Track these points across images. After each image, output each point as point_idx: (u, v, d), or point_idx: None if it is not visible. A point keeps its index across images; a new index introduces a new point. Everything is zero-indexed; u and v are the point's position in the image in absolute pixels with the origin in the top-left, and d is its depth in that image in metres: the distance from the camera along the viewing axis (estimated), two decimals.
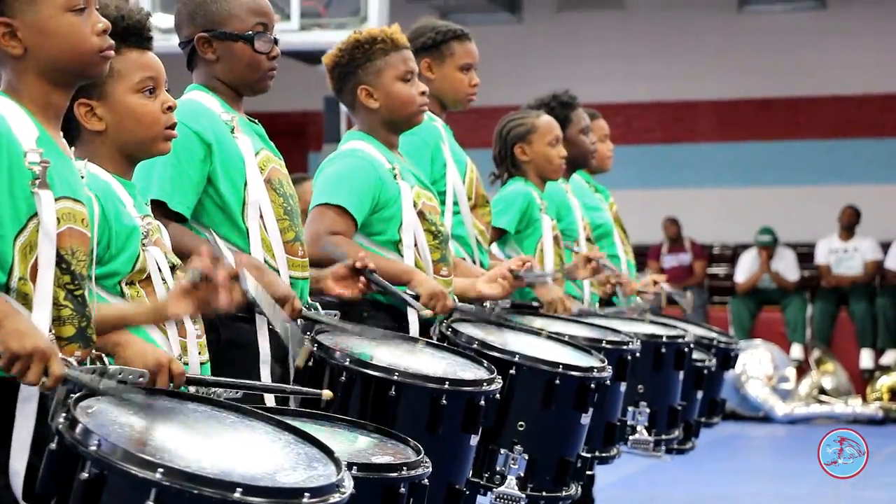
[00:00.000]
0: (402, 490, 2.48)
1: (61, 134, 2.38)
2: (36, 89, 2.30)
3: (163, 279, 2.62)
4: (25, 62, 2.29)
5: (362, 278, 3.33)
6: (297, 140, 12.95)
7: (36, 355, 2.10)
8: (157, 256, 2.62)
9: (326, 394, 2.63)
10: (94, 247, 2.37)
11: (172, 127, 2.71)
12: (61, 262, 2.26)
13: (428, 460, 2.57)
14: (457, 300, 3.70)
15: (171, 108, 2.70)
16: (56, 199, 2.25)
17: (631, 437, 4.40)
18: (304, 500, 2.03)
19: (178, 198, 3.04)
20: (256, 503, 1.99)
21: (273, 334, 3.06)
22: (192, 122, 3.06)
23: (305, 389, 2.75)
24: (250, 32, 3.13)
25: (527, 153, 4.73)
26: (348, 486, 2.13)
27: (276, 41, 3.17)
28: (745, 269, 12.20)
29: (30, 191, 2.22)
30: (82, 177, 2.40)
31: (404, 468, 2.50)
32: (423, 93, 3.67)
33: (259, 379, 3.02)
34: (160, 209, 2.98)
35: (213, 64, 3.16)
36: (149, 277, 2.61)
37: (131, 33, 2.64)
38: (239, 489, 1.98)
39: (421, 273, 3.60)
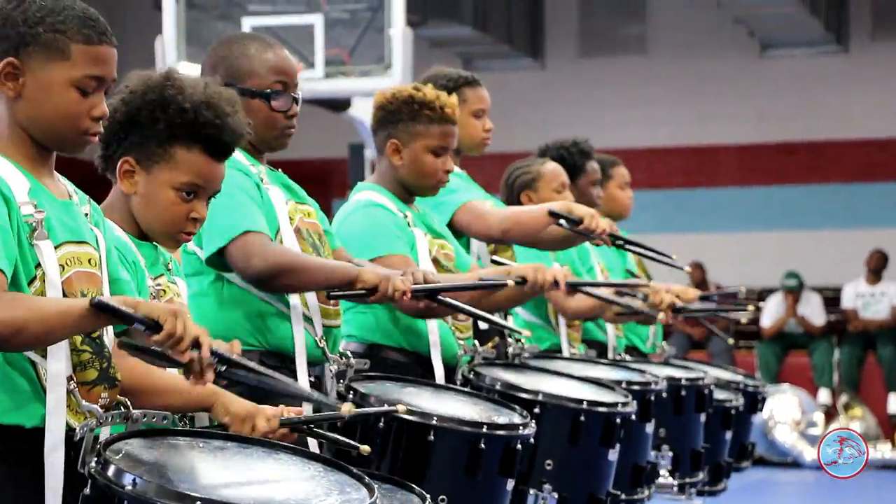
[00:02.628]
0: None
1: (56, 176, 2.38)
2: (19, 138, 2.31)
3: None
4: (16, 106, 2.30)
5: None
6: (321, 187, 12.99)
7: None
8: None
9: (364, 449, 2.58)
10: (105, 282, 2.37)
11: (189, 234, 2.67)
12: None
13: None
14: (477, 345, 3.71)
15: (195, 220, 2.65)
16: (58, 246, 2.27)
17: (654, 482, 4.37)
18: None
19: (258, 221, 3.05)
20: None
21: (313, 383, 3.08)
22: (239, 165, 3.09)
23: (343, 440, 2.63)
24: (268, 90, 3.13)
25: (533, 200, 4.75)
26: None
27: (296, 100, 3.17)
28: (772, 314, 12.15)
29: (30, 243, 2.23)
30: (86, 214, 2.40)
31: None
32: (447, 171, 3.67)
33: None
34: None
35: None
36: None
37: (213, 141, 2.61)
38: None
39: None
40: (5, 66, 2.28)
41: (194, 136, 2.59)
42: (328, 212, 3.42)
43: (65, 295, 2.26)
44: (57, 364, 2.22)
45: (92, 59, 2.30)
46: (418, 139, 3.62)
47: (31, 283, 2.24)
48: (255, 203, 3.07)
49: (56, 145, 2.35)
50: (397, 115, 3.64)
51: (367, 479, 2.24)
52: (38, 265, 2.24)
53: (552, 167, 4.82)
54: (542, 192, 4.76)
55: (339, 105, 9.60)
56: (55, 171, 2.40)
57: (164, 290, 2.65)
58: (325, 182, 13.32)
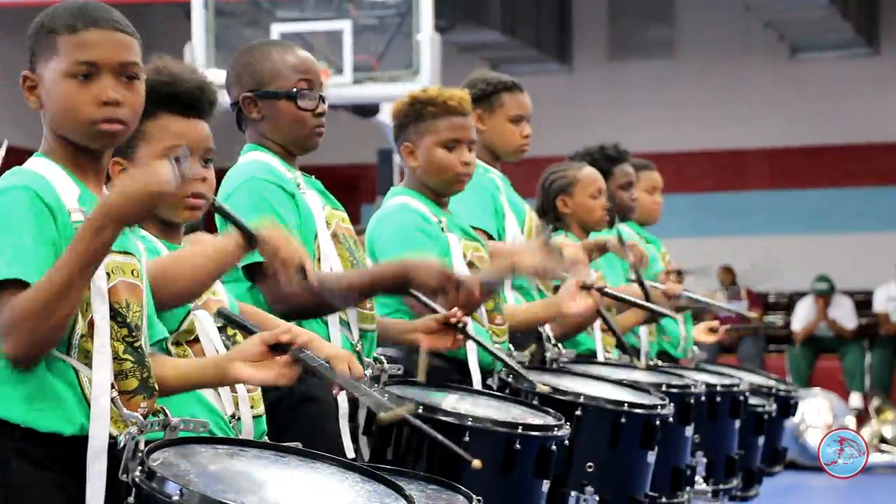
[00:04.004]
0: None
1: (104, 189, 2.37)
2: (59, 146, 2.31)
3: (211, 341, 2.61)
4: (45, 118, 2.32)
5: (459, 335, 3.28)
6: (351, 193, 13.02)
7: None
8: (205, 319, 2.62)
9: (476, 463, 2.56)
10: (146, 297, 2.37)
11: (196, 196, 2.66)
12: (117, 316, 2.27)
13: None
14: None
15: (204, 180, 2.65)
16: None
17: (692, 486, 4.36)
18: None
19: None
20: None
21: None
22: (272, 177, 3.09)
23: (455, 448, 2.64)
24: (294, 90, 3.13)
25: (568, 205, 4.73)
26: None
27: (322, 98, 3.16)
28: (802, 318, 12.11)
29: None
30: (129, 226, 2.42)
31: None
32: (465, 163, 3.60)
33: (336, 433, 2.98)
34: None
35: (259, 123, 3.16)
36: (197, 339, 2.61)
37: (172, 100, 2.62)
38: None
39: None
40: (23, 79, 2.31)
41: (154, 103, 2.54)
42: (357, 217, 3.41)
43: (110, 303, 2.27)
44: (102, 373, 2.22)
45: (76, 45, 2.27)
46: (426, 136, 3.59)
47: None
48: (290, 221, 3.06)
49: (82, 141, 2.31)
50: (406, 118, 3.63)
51: (405, 490, 2.23)
52: None
53: (589, 172, 4.80)
54: (578, 196, 4.75)
55: (367, 111, 9.63)
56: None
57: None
58: (353, 188, 13.35)
